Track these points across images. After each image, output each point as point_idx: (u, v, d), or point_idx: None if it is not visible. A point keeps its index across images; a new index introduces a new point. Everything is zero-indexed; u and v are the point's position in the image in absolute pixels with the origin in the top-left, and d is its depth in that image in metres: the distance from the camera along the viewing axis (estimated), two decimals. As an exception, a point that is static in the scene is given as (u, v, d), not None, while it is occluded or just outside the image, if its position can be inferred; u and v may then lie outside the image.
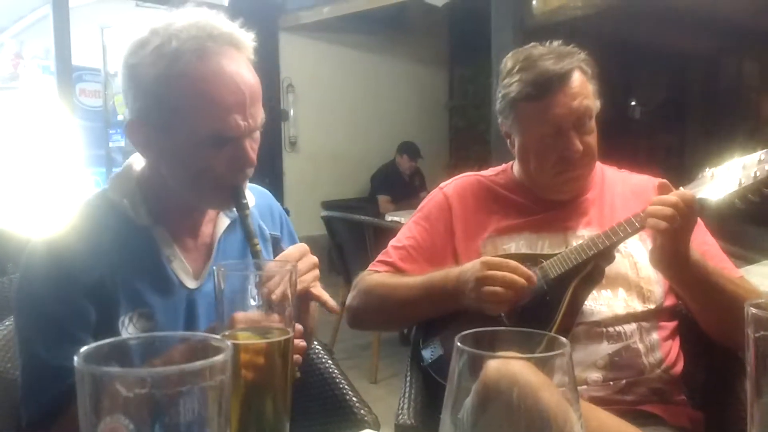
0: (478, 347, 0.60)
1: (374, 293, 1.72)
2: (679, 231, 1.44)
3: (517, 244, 1.68)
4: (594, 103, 1.64)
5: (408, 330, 1.86)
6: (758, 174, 1.40)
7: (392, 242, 1.82)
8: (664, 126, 9.82)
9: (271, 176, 7.62)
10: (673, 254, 1.46)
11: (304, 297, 1.25)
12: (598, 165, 1.77)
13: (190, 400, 0.51)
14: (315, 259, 1.31)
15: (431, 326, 1.70)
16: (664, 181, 1.52)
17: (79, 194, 4.24)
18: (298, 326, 1.09)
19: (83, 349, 0.53)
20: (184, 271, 1.34)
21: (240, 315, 0.95)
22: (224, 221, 1.42)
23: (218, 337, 0.58)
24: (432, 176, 7.03)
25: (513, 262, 1.51)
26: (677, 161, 8.93)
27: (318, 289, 1.28)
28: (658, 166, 1.94)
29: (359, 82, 8.50)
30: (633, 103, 9.70)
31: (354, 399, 1.54)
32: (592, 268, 1.54)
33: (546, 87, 1.59)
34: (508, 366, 0.60)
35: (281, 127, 8.00)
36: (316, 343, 1.64)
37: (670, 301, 1.63)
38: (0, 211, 4.69)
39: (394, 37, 8.56)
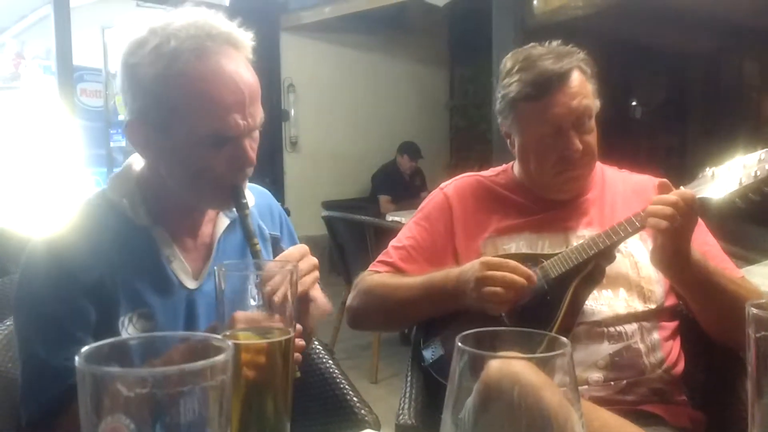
0: (478, 347, 0.60)
1: (374, 293, 1.72)
2: (680, 230, 1.44)
3: (518, 244, 1.68)
4: (593, 103, 1.64)
5: (408, 330, 1.86)
6: (759, 173, 1.40)
7: (392, 242, 1.82)
8: (664, 126, 9.81)
9: (272, 176, 7.63)
10: (673, 254, 1.46)
11: (304, 298, 1.25)
12: (599, 165, 1.77)
13: (191, 400, 0.51)
14: (315, 260, 1.31)
15: (432, 326, 1.70)
16: (665, 180, 1.52)
17: (79, 194, 4.24)
18: (298, 326, 1.09)
19: (84, 349, 0.53)
20: (183, 272, 1.33)
21: (240, 315, 0.95)
22: (224, 221, 1.42)
23: (219, 337, 0.58)
24: (433, 176, 7.03)
25: (513, 262, 1.51)
26: (678, 161, 8.92)
27: (314, 291, 1.28)
28: (659, 165, 1.94)
29: (360, 82, 8.50)
30: (634, 103, 9.69)
31: (354, 399, 1.54)
32: (592, 268, 1.54)
33: (545, 87, 1.59)
34: (510, 366, 0.60)
35: (282, 127, 8.01)
36: (316, 343, 1.64)
37: (670, 301, 1.63)
38: (1, 210, 4.69)
39: (395, 36, 8.56)
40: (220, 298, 0.94)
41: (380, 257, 1.81)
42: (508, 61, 1.68)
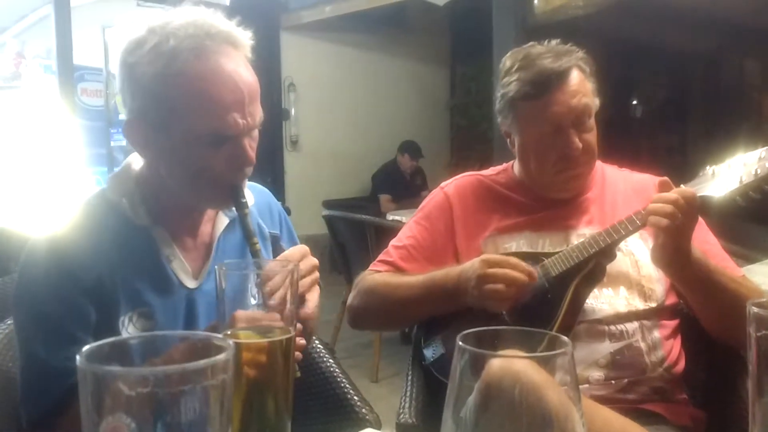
0: (479, 346, 0.60)
1: (375, 293, 1.72)
2: (681, 228, 1.44)
3: (518, 243, 1.68)
4: (593, 101, 1.65)
5: (409, 329, 1.87)
6: (759, 171, 1.40)
7: (393, 242, 1.83)
8: (665, 125, 9.81)
9: (273, 175, 7.63)
10: (674, 252, 1.46)
11: (303, 298, 1.25)
12: (599, 164, 1.78)
13: (192, 399, 0.51)
14: (315, 261, 1.31)
15: (432, 325, 1.70)
16: (665, 178, 1.52)
17: (80, 193, 4.24)
18: (299, 326, 1.09)
19: (85, 348, 0.53)
20: (183, 271, 1.33)
21: (241, 314, 0.95)
22: (223, 220, 1.42)
23: (220, 336, 0.59)
24: (433, 175, 7.03)
25: (513, 259, 1.51)
26: (679, 160, 8.92)
27: (312, 293, 1.27)
28: (660, 164, 1.94)
29: (361, 81, 8.50)
30: (634, 102, 9.69)
31: (355, 398, 1.54)
32: (593, 266, 1.54)
33: (544, 86, 1.59)
34: (511, 364, 0.60)
35: (282, 126, 8.01)
36: (317, 342, 1.64)
37: (671, 300, 1.63)
38: (2, 210, 4.70)
39: (396, 35, 8.56)
40: (221, 297, 0.94)
41: (381, 257, 1.81)
42: (507, 61, 1.69)
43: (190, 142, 1.22)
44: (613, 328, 1.56)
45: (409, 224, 1.83)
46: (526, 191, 1.76)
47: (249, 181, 1.37)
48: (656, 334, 1.58)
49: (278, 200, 1.62)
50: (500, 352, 0.62)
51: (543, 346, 0.63)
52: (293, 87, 8.03)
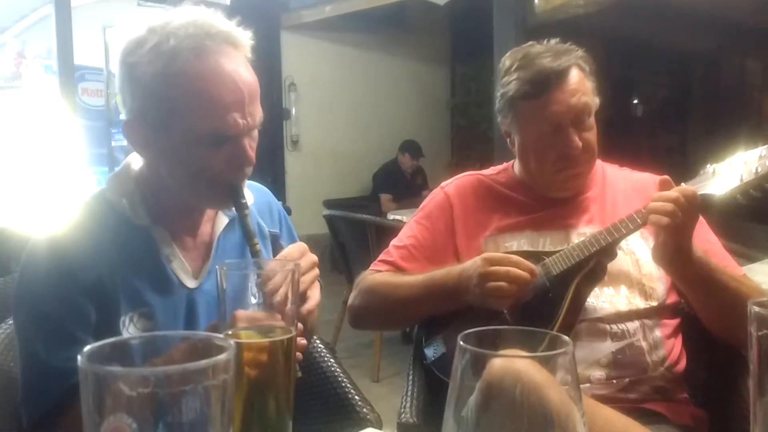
0: (480, 346, 0.60)
1: (376, 292, 1.72)
2: (681, 227, 1.44)
3: (519, 242, 1.68)
4: (593, 100, 1.65)
5: (410, 328, 1.87)
6: (759, 169, 1.40)
7: (393, 242, 1.83)
8: (665, 124, 9.82)
9: (273, 175, 7.64)
10: (675, 250, 1.46)
11: (303, 296, 1.25)
12: (599, 163, 1.78)
13: (193, 399, 0.50)
14: (315, 258, 1.31)
15: (433, 324, 1.70)
16: (666, 177, 1.52)
17: (81, 193, 4.24)
18: (299, 325, 1.09)
19: (86, 348, 0.53)
20: (183, 271, 1.33)
21: (242, 313, 0.95)
22: (223, 220, 1.42)
23: (221, 336, 0.58)
24: (434, 175, 7.04)
25: (515, 257, 1.52)
26: (679, 159, 8.92)
27: (313, 290, 1.28)
28: (660, 163, 1.93)
29: (361, 81, 8.50)
30: (635, 102, 9.70)
31: (356, 397, 1.54)
32: (594, 265, 1.54)
33: (544, 85, 1.59)
34: (512, 364, 0.60)
35: (283, 126, 8.01)
36: (318, 341, 1.64)
37: (672, 299, 1.63)
38: (3, 210, 4.70)
39: (396, 35, 8.56)
40: (222, 297, 0.94)
41: (381, 256, 1.81)
42: (506, 60, 1.69)
43: (190, 141, 1.22)
44: (614, 327, 1.56)
45: (410, 224, 1.83)
46: (527, 190, 1.76)
47: (249, 180, 1.37)
48: (657, 333, 1.58)
49: (279, 200, 1.62)
50: (501, 352, 0.62)
51: (544, 346, 0.63)
52: (294, 87, 8.03)
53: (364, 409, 1.52)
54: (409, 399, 1.63)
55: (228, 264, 0.97)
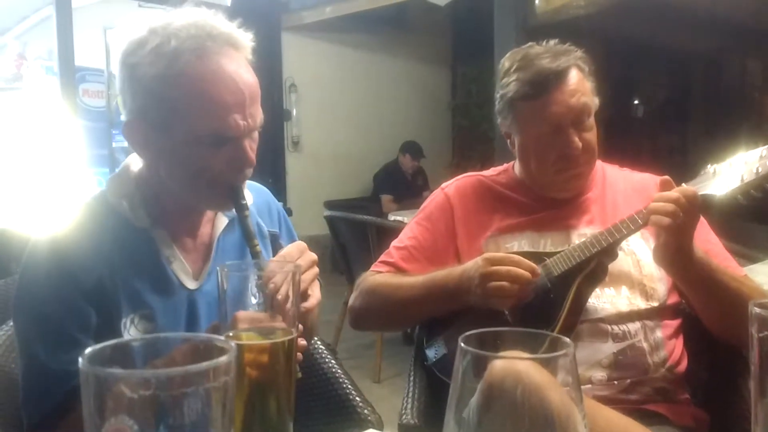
0: (481, 348, 0.60)
1: (376, 293, 1.72)
2: (682, 227, 1.44)
3: (520, 243, 1.68)
4: (592, 100, 1.65)
5: (411, 329, 1.87)
6: (760, 169, 1.40)
7: (394, 243, 1.83)
8: (666, 125, 9.82)
9: (274, 176, 7.64)
10: (676, 251, 1.46)
11: (304, 294, 1.25)
12: (599, 164, 1.78)
13: (194, 401, 0.51)
14: (314, 256, 1.31)
15: (434, 325, 1.70)
16: (666, 177, 1.52)
17: (81, 194, 4.24)
18: (300, 326, 1.09)
19: (87, 350, 0.53)
20: (183, 272, 1.33)
21: (243, 315, 0.95)
22: (222, 221, 1.42)
23: (222, 338, 0.59)
24: (435, 175, 7.04)
25: (516, 257, 1.52)
26: (680, 160, 8.92)
27: (312, 289, 1.28)
28: (661, 164, 1.94)
29: (362, 82, 8.51)
30: (636, 102, 9.70)
31: (357, 399, 1.54)
32: (595, 266, 1.54)
33: (543, 85, 1.60)
34: (513, 365, 0.60)
35: (284, 127, 8.01)
36: (319, 342, 1.64)
37: (673, 299, 1.63)
38: (4, 211, 4.70)
39: (397, 36, 8.56)
40: (222, 298, 0.94)
41: (382, 257, 1.81)
42: (506, 62, 1.69)
43: (191, 142, 1.22)
44: (615, 328, 1.56)
45: (411, 225, 1.83)
46: (527, 191, 1.76)
47: (249, 180, 1.37)
48: (659, 334, 1.58)
49: (279, 201, 1.62)
50: (502, 353, 0.62)
51: (545, 348, 0.63)
52: (294, 88, 8.03)
53: (365, 411, 1.52)
54: (410, 400, 1.63)
55: (228, 265, 0.97)
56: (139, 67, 1.21)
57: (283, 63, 7.93)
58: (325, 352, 1.64)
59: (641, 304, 1.59)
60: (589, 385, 1.51)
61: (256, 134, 1.29)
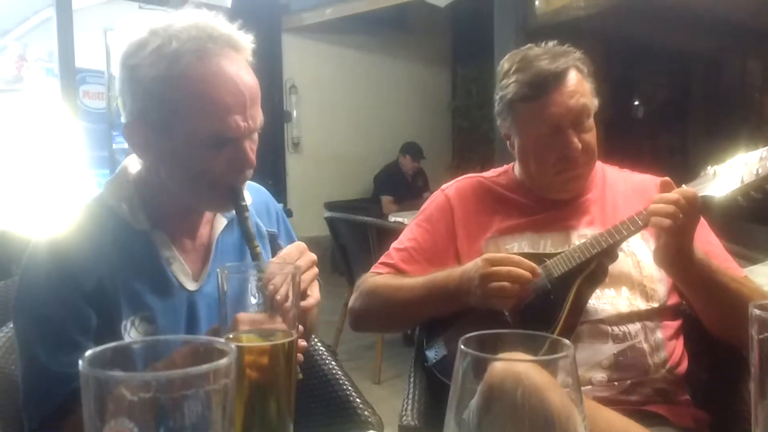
0: (481, 350, 0.60)
1: (376, 295, 1.72)
2: (683, 229, 1.44)
3: (520, 244, 1.68)
4: (591, 101, 1.65)
5: (411, 331, 1.87)
6: (761, 171, 1.40)
7: (394, 244, 1.83)
8: (666, 125, 9.82)
9: (274, 177, 7.64)
10: (676, 252, 1.46)
11: (303, 294, 1.25)
12: (599, 165, 1.78)
13: (195, 403, 0.51)
14: (313, 256, 1.31)
15: (435, 326, 1.70)
16: (667, 178, 1.52)
17: (81, 196, 4.24)
18: (300, 327, 1.09)
19: (88, 353, 0.53)
20: (183, 273, 1.33)
21: (243, 316, 0.95)
22: (221, 222, 1.42)
23: (222, 340, 0.59)
24: (435, 177, 7.04)
25: (516, 257, 1.52)
26: (680, 160, 8.93)
27: (311, 288, 1.28)
28: (661, 165, 1.94)
29: (362, 83, 8.51)
30: (636, 103, 9.70)
31: (357, 400, 1.54)
32: (595, 267, 1.54)
33: (542, 87, 1.60)
34: (513, 366, 0.60)
35: (284, 128, 8.01)
36: (319, 344, 1.64)
37: (673, 300, 1.63)
38: (4, 212, 4.70)
39: (397, 37, 8.57)
40: (223, 300, 0.94)
41: (382, 259, 1.81)
42: (505, 63, 1.69)
43: (191, 144, 1.22)
44: (615, 329, 1.56)
45: (411, 226, 1.84)
46: (527, 192, 1.76)
47: (248, 181, 1.37)
48: (659, 335, 1.58)
49: (280, 202, 1.62)
50: (502, 355, 0.62)
51: (545, 349, 0.63)
52: (295, 89, 8.04)
53: (366, 412, 1.51)
54: (410, 401, 1.63)
55: (228, 267, 0.97)
56: (139, 69, 1.21)
57: (283, 64, 7.94)
58: (325, 353, 1.64)
59: (641, 305, 1.59)
60: (590, 386, 1.51)
61: (255, 136, 1.29)
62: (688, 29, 7.17)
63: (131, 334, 1.24)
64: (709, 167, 1.51)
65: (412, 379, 1.70)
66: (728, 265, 1.62)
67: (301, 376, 1.15)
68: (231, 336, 0.93)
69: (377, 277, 1.76)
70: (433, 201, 1.84)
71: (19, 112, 5.42)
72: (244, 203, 1.30)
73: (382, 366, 4.41)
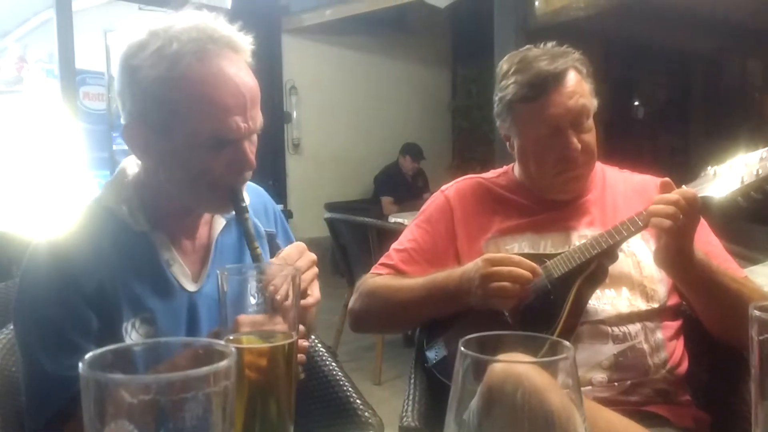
0: (481, 351, 0.60)
1: (376, 296, 1.72)
2: (683, 229, 1.44)
3: (520, 245, 1.68)
4: (591, 102, 1.65)
5: (412, 331, 1.87)
6: (761, 171, 1.40)
7: (394, 245, 1.83)
8: (667, 126, 9.83)
9: (274, 178, 7.64)
10: (676, 253, 1.46)
11: (304, 294, 1.25)
12: (599, 165, 1.78)
13: (195, 406, 0.51)
14: (313, 256, 1.31)
15: (435, 327, 1.70)
16: (667, 179, 1.52)
17: (81, 198, 4.24)
18: (301, 327, 1.09)
19: (88, 355, 0.53)
20: (183, 275, 1.33)
21: (244, 318, 0.95)
22: (220, 222, 1.42)
23: (222, 342, 0.59)
24: (435, 177, 7.05)
25: (516, 257, 1.52)
26: (680, 161, 8.93)
27: (311, 288, 1.28)
28: (661, 165, 1.94)
29: (362, 84, 8.51)
30: (636, 103, 9.70)
31: (358, 401, 1.54)
32: (595, 267, 1.54)
33: (541, 87, 1.60)
34: (513, 368, 0.60)
35: (284, 129, 8.01)
36: (320, 345, 1.65)
37: (673, 300, 1.63)
38: (4, 214, 4.70)
39: (397, 38, 8.57)
40: (223, 301, 0.94)
41: (382, 260, 1.81)
42: (504, 64, 1.69)
43: (192, 145, 1.22)
44: (616, 329, 1.56)
45: (410, 227, 1.84)
46: (527, 193, 1.76)
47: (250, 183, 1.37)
48: (659, 335, 1.58)
49: (280, 203, 1.62)
50: (502, 357, 0.62)
51: (545, 351, 0.63)
52: (295, 90, 8.03)
53: (366, 413, 1.52)
54: (410, 402, 1.63)
55: (229, 269, 0.97)
56: (140, 70, 1.21)
57: (283, 65, 7.93)
58: (325, 354, 1.64)
59: (641, 305, 1.59)
60: (590, 387, 1.51)
61: (255, 137, 1.29)
62: (688, 29, 7.18)
63: (132, 336, 1.24)
64: (709, 168, 1.51)
65: (412, 380, 1.70)
66: (728, 265, 1.62)
67: (303, 375, 1.15)
68: (231, 338, 0.93)
69: (377, 278, 1.76)
70: (433, 202, 1.84)
71: (19, 113, 5.43)
72: (244, 204, 1.30)
73: (382, 367, 4.41)
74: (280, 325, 0.96)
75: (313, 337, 1.62)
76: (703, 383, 1.67)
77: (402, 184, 7.39)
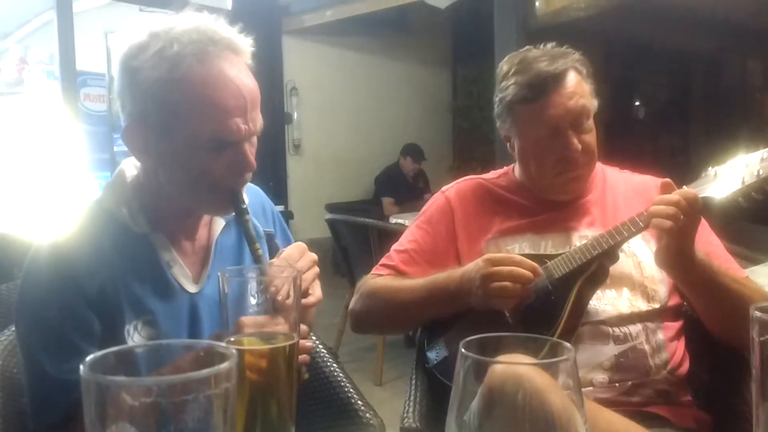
0: (482, 352, 0.60)
1: (377, 296, 1.72)
2: (683, 230, 1.44)
3: (521, 246, 1.68)
4: (591, 102, 1.65)
5: (413, 332, 1.87)
6: (761, 172, 1.40)
7: (394, 246, 1.83)
8: (667, 126, 9.82)
9: (275, 179, 7.63)
10: (677, 253, 1.46)
11: (305, 294, 1.25)
12: (599, 166, 1.78)
13: (196, 408, 0.51)
14: (314, 256, 1.31)
15: (435, 327, 1.70)
16: (667, 180, 1.52)
17: (81, 199, 4.24)
18: (304, 327, 1.09)
19: (89, 357, 0.53)
20: (184, 276, 1.33)
21: (245, 320, 0.95)
22: (219, 223, 1.42)
23: (223, 344, 0.59)
24: (436, 178, 7.04)
25: (517, 256, 1.52)
26: (681, 161, 8.93)
27: (312, 288, 1.28)
28: (662, 166, 1.94)
29: (363, 85, 8.50)
30: (637, 104, 9.70)
31: (359, 402, 1.54)
32: (596, 268, 1.54)
33: (541, 88, 1.60)
34: (514, 369, 0.60)
35: (285, 130, 8.01)
36: (321, 346, 1.65)
37: (674, 301, 1.63)
38: (5, 215, 4.70)
39: (397, 39, 8.56)
40: (224, 303, 0.94)
41: (382, 261, 1.81)
42: (504, 65, 1.69)
43: (192, 146, 1.22)
44: (616, 330, 1.56)
45: (411, 228, 1.84)
46: (528, 194, 1.76)
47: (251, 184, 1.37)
48: (660, 335, 1.58)
49: (281, 204, 1.62)
50: (502, 358, 0.62)
51: (545, 352, 0.63)
52: (295, 91, 8.03)
53: (367, 414, 1.52)
54: (411, 403, 1.63)
55: (230, 270, 0.97)
56: (140, 71, 1.21)
57: (283, 66, 7.93)
58: (326, 355, 1.64)
59: (642, 305, 1.59)
60: (591, 388, 1.51)
61: (255, 139, 1.29)
62: (688, 29, 7.18)
63: (134, 338, 1.25)
64: (709, 168, 1.51)
65: (413, 381, 1.70)
66: (729, 265, 1.62)
67: (307, 375, 1.15)
68: (233, 339, 0.93)
69: (378, 278, 1.76)
70: (434, 203, 1.84)
71: (20, 114, 5.43)
72: (245, 206, 1.30)
73: (383, 368, 4.40)
74: (281, 326, 0.96)
75: (314, 338, 1.62)
76: (704, 384, 1.67)
77: (403, 185, 7.39)
